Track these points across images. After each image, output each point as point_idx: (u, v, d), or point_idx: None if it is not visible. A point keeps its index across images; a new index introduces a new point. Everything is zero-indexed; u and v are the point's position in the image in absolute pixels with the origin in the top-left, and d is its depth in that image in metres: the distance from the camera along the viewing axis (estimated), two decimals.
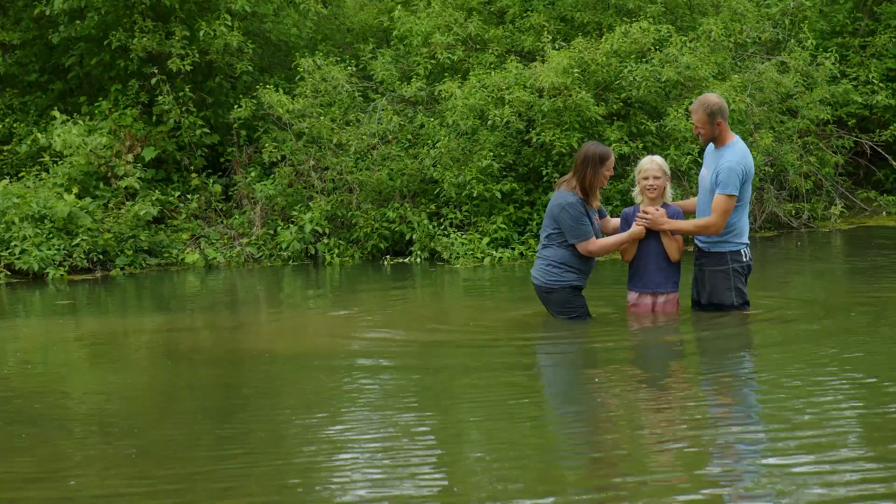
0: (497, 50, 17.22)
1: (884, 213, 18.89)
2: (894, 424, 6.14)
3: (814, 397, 6.83)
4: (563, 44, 16.51)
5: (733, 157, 9.34)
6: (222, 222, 17.20)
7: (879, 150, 19.22)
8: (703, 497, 5.04)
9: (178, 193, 17.33)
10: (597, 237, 9.65)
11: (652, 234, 9.57)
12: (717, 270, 9.54)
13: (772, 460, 5.53)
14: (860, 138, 19.22)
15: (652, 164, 9.53)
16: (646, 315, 9.66)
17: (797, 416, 6.38)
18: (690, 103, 15.53)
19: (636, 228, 9.51)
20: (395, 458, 5.91)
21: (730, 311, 9.53)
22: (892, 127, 19.02)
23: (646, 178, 9.51)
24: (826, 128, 18.69)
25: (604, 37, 16.42)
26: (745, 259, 9.52)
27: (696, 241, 9.73)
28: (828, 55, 17.90)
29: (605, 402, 7.11)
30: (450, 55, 16.98)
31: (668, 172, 9.61)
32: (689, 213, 9.88)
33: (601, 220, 9.89)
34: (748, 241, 9.64)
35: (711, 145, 9.56)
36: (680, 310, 9.70)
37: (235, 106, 17.17)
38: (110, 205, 16.80)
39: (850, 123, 19.16)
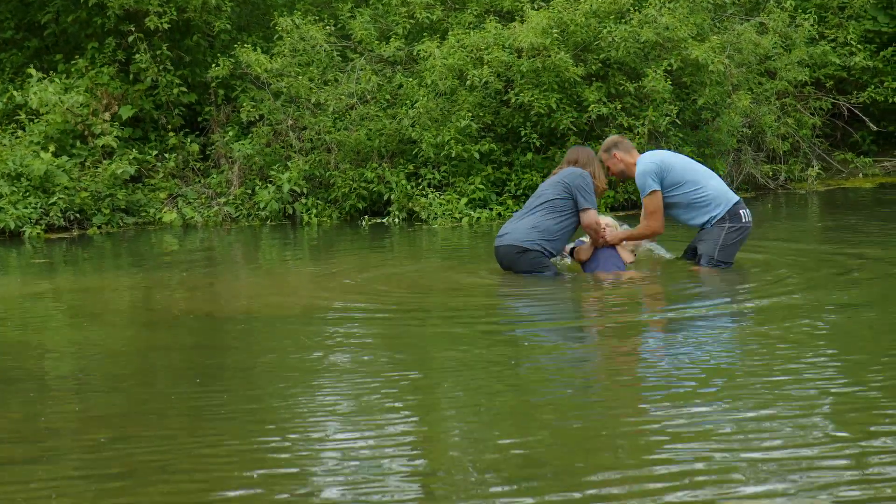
0: (476, 10, 17.16)
1: (860, 174, 18.96)
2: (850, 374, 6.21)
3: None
4: (543, 4, 16.47)
5: (638, 170, 9.95)
6: (200, 181, 17.16)
7: (857, 111, 19.27)
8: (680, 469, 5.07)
9: (155, 152, 17.26)
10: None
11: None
12: (712, 226, 9.93)
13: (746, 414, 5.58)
14: (838, 100, 19.25)
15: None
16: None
17: (768, 374, 6.43)
18: (669, 65, 15.68)
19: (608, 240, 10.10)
20: (374, 419, 5.93)
21: (707, 266, 9.85)
22: (869, 89, 19.06)
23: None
24: (804, 89, 18.72)
25: None
26: (739, 221, 9.87)
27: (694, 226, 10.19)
28: (806, 16, 17.91)
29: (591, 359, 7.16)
30: (428, 15, 16.91)
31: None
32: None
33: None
34: (740, 201, 10.03)
35: None
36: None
37: (213, 65, 17.09)
38: (87, 163, 16.74)
39: (827, 85, 19.18)
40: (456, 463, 5.18)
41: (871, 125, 19.34)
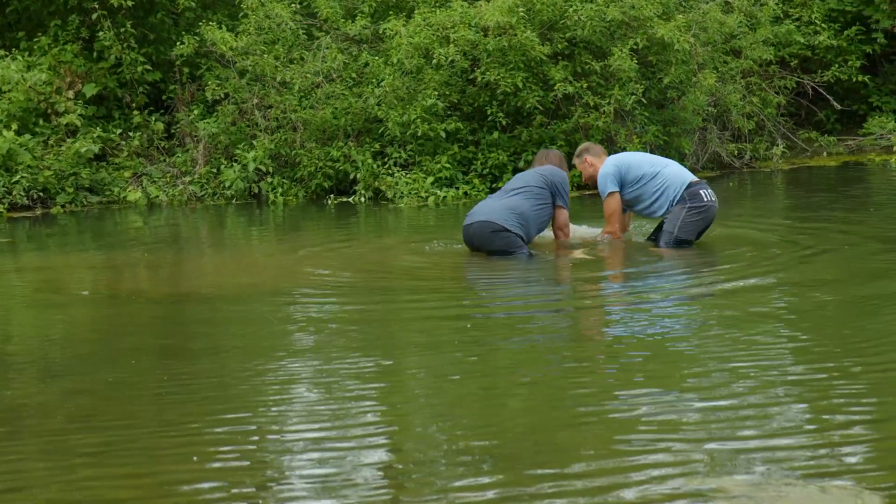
0: None
1: (824, 153, 19.06)
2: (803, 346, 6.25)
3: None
4: None
5: (599, 173, 10.24)
6: (165, 160, 17.07)
7: (821, 90, 19.35)
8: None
9: (119, 131, 17.15)
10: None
11: None
12: (678, 205, 10.08)
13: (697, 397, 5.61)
14: (802, 79, 19.33)
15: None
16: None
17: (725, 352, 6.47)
18: (635, 43, 15.70)
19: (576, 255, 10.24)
20: (341, 398, 5.93)
21: (663, 245, 10.04)
22: (833, 68, 19.15)
23: None
24: (769, 68, 18.78)
25: None
26: (700, 201, 9.97)
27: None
28: None
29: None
30: None
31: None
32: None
33: None
34: (699, 181, 10.16)
35: None
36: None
37: (178, 43, 16.97)
38: (50, 142, 16.62)
39: (792, 64, 19.26)
40: (423, 448, 5.19)
41: (835, 104, 19.43)
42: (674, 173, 10.16)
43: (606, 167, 10.17)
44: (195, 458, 5.01)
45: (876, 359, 6.22)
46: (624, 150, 14.47)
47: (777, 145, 18.21)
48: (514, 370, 6.45)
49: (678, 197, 10.02)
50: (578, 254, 10.03)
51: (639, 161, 10.26)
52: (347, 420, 5.52)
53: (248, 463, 4.99)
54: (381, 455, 5.07)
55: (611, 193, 10.11)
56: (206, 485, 4.72)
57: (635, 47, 15.93)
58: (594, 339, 7.28)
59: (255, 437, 5.34)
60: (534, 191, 10.08)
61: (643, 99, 15.93)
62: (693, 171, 16.93)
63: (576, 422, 5.37)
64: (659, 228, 10.30)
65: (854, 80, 19.32)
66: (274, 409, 5.79)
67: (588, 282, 9.27)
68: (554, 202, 10.17)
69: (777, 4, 17.91)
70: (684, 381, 5.96)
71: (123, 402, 6.01)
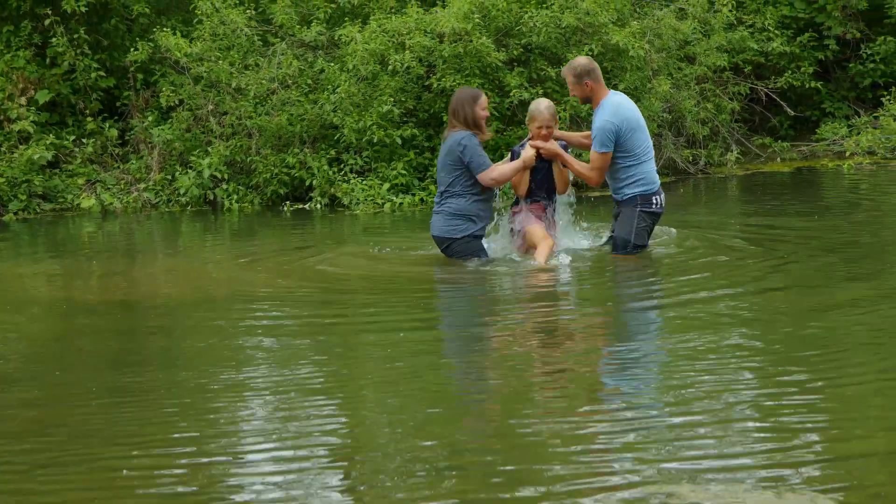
0: None
1: (778, 158, 19.18)
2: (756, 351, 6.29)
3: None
4: None
5: (602, 115, 9.80)
6: (119, 167, 16.96)
7: (774, 96, 19.48)
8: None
9: (73, 137, 17.03)
10: None
11: (542, 168, 10.00)
12: (627, 211, 9.92)
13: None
14: (756, 85, 19.45)
15: (545, 114, 9.87)
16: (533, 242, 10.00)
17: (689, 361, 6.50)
18: (590, 50, 15.75)
19: (529, 152, 9.86)
20: (294, 407, 5.90)
21: (621, 252, 9.92)
22: (786, 74, 19.27)
23: (539, 127, 9.75)
24: (723, 74, 18.88)
25: None
26: (654, 206, 9.85)
27: (613, 196, 10.16)
28: (725, 2, 18.06)
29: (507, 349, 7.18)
30: None
31: (556, 116, 10.07)
32: (573, 146, 10.65)
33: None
34: (658, 189, 10.02)
35: None
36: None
37: (132, 49, 16.87)
38: (3, 149, 16.48)
39: (746, 70, 19.37)
40: (379, 461, 5.18)
41: (789, 110, 19.55)
42: (650, 173, 10.01)
43: (607, 122, 9.71)
44: (124, 472, 4.97)
45: (826, 366, 6.25)
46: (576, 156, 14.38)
47: (731, 151, 18.30)
48: (466, 384, 6.45)
49: (638, 194, 9.88)
50: (546, 267, 9.88)
51: (634, 138, 9.85)
52: (301, 433, 5.50)
53: (198, 475, 4.96)
54: (336, 470, 5.05)
55: (605, 153, 9.73)
56: (154, 500, 4.70)
57: (590, 53, 15.96)
58: (551, 353, 7.29)
59: (211, 445, 5.31)
60: (456, 185, 9.94)
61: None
62: None
63: (532, 435, 5.38)
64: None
65: (807, 86, 19.46)
66: (225, 420, 5.76)
67: (541, 298, 9.26)
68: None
69: (730, 11, 18.01)
70: (640, 393, 5.97)
71: (76, 409, 5.96)
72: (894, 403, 5.57)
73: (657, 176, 10.13)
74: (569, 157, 10.06)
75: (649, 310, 8.25)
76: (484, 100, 10.03)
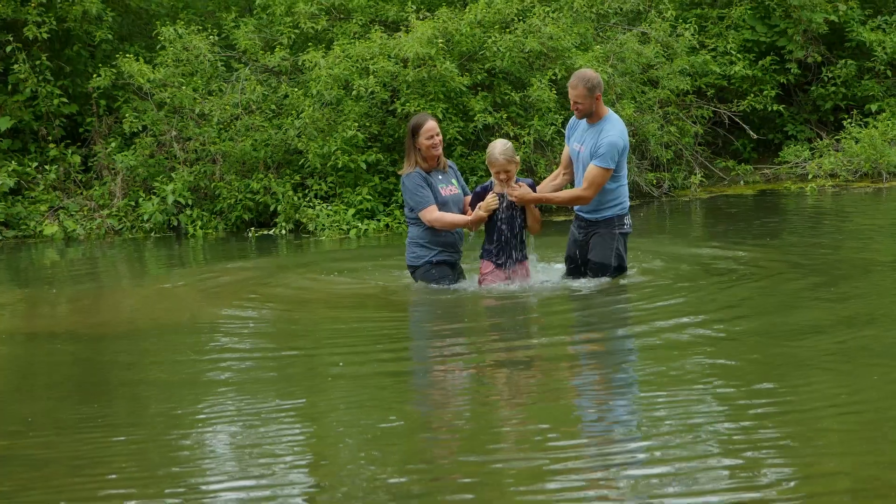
0: (361, 20, 17.14)
1: (741, 181, 19.28)
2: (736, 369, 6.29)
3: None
4: (427, 14, 16.50)
5: (614, 130, 9.53)
6: (82, 193, 16.87)
7: (737, 119, 19.59)
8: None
9: (35, 164, 16.93)
10: (453, 206, 9.83)
11: (505, 209, 9.63)
12: (603, 233, 9.71)
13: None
14: (719, 108, 19.56)
15: (500, 160, 9.45)
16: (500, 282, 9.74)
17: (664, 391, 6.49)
18: (554, 74, 15.81)
19: (479, 213, 9.54)
20: (261, 435, 5.87)
21: (602, 277, 9.74)
22: (749, 97, 19.39)
23: (497, 172, 9.51)
24: (686, 98, 18.99)
25: (468, 7, 16.47)
26: (626, 226, 9.77)
27: (578, 212, 9.88)
28: (687, 26, 18.19)
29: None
30: (313, 25, 16.85)
31: (516, 157, 9.59)
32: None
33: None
34: (629, 209, 9.88)
35: (584, 121, 9.69)
36: (530, 273, 9.87)
37: (94, 75, 16.82)
38: None
39: (708, 94, 19.48)
40: (346, 485, 5.15)
41: (751, 133, 19.67)
42: (627, 191, 9.85)
43: (618, 139, 9.47)
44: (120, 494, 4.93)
45: (790, 393, 6.24)
46: (542, 178, 14.31)
47: (695, 174, 18.40)
48: (432, 409, 6.43)
49: (615, 216, 9.70)
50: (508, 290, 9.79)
51: (624, 160, 9.68)
52: (266, 463, 5.46)
53: (168, 497, 4.92)
54: (301, 484, 5.03)
55: (607, 170, 9.45)
56: None
57: (554, 78, 16.03)
58: (518, 383, 7.27)
59: (177, 470, 5.26)
60: (409, 215, 9.90)
61: (562, 129, 16.01)
62: None
63: (501, 467, 5.37)
64: (575, 257, 10.03)
65: (769, 109, 19.59)
66: (198, 452, 5.71)
67: (509, 327, 9.25)
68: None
69: (693, 35, 18.14)
70: (605, 417, 5.97)
71: (39, 438, 5.90)
72: (857, 429, 5.56)
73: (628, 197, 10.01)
74: (548, 196, 9.81)
75: (614, 337, 8.22)
76: (428, 127, 9.70)
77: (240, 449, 5.64)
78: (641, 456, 5.22)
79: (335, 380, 7.16)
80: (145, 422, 6.24)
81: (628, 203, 9.88)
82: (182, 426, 6.10)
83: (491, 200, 9.48)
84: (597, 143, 9.50)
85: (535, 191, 9.71)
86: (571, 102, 9.65)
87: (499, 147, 9.49)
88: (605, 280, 9.73)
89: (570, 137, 9.90)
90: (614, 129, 9.54)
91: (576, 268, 9.98)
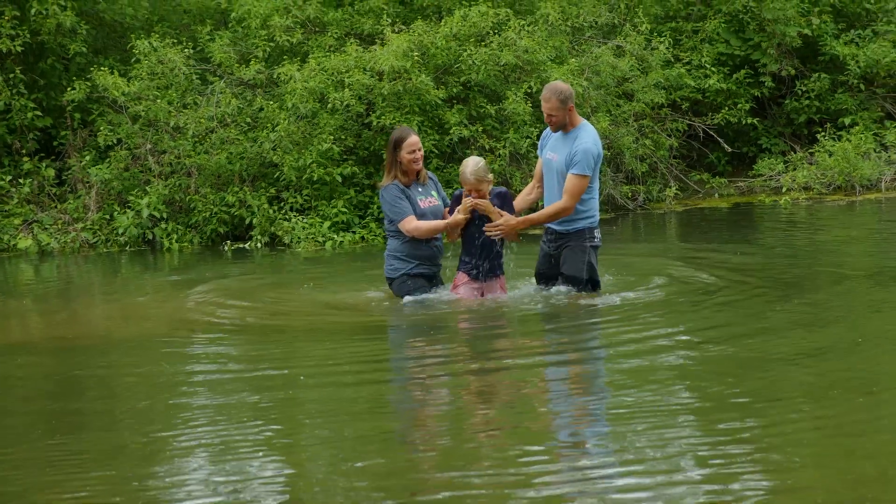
0: (336, 33, 17.14)
1: (716, 194, 19.35)
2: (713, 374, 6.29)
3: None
4: (403, 27, 16.51)
5: (588, 138, 9.53)
6: (56, 207, 16.80)
7: (712, 133, 19.66)
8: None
9: (9, 177, 16.86)
10: (435, 216, 9.83)
11: (478, 222, 9.61)
12: (574, 246, 9.65)
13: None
14: (693, 121, 19.64)
15: (470, 179, 9.46)
16: (474, 299, 9.71)
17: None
18: (529, 87, 15.84)
19: (457, 217, 9.55)
20: (236, 451, 5.83)
21: (573, 291, 9.67)
22: (723, 110, 19.47)
23: (469, 191, 9.51)
24: (661, 111, 19.06)
25: (443, 20, 16.49)
26: (596, 239, 9.70)
27: (549, 225, 9.80)
28: (662, 39, 18.25)
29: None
30: (289, 38, 16.84)
31: (489, 175, 9.58)
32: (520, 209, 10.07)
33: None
34: (598, 222, 9.82)
35: (558, 133, 9.69)
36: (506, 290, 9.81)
37: (69, 88, 16.76)
38: None
39: (683, 107, 19.56)
40: (319, 498, 5.14)
41: (726, 146, 19.74)
42: (597, 204, 9.80)
43: (593, 146, 9.47)
44: None
45: (764, 415, 6.21)
46: (517, 191, 14.29)
47: (670, 187, 18.46)
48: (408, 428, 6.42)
49: (586, 228, 9.65)
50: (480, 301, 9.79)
51: (598, 167, 9.67)
52: (239, 481, 5.44)
53: None
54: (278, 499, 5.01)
55: (585, 177, 9.44)
56: None
57: (529, 91, 16.06)
58: (490, 403, 7.27)
59: (151, 490, 5.24)
60: (389, 228, 9.92)
61: (537, 142, 16.02)
62: None
63: (475, 487, 5.36)
64: (546, 274, 9.96)
65: (743, 122, 19.67)
66: (173, 467, 5.68)
67: (483, 344, 9.23)
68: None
69: (667, 49, 18.21)
70: (579, 433, 5.95)
71: (11, 453, 5.86)
72: (830, 445, 5.55)
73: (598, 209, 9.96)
74: (531, 218, 9.71)
75: (587, 355, 8.18)
76: (410, 141, 9.73)
77: (212, 465, 5.61)
78: (615, 471, 5.22)
79: (308, 395, 7.14)
80: (118, 435, 6.19)
81: (598, 216, 9.83)
82: (157, 445, 6.06)
83: (468, 204, 9.48)
84: (571, 151, 9.49)
85: (511, 200, 9.72)
86: (545, 115, 9.64)
87: (470, 166, 9.50)
88: (577, 295, 9.66)
89: (542, 148, 9.90)
90: (588, 136, 9.54)
91: (546, 283, 9.93)
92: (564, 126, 9.64)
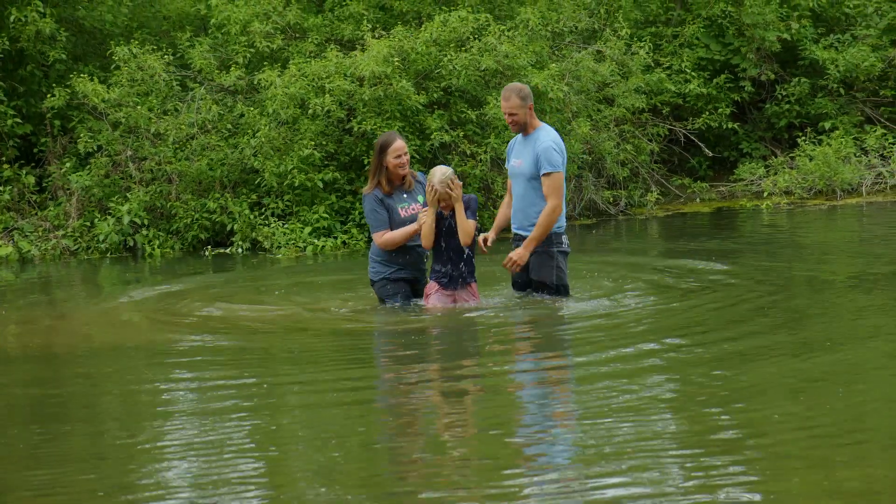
0: (317, 38, 17.13)
1: (697, 199, 19.39)
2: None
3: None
4: (383, 32, 16.51)
5: (547, 138, 9.45)
6: (36, 214, 16.75)
7: (693, 137, 19.71)
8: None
9: None
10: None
11: (445, 232, 9.57)
12: (541, 251, 9.49)
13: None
14: (674, 126, 19.69)
15: (438, 187, 9.37)
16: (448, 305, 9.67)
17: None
18: None
19: (423, 217, 9.51)
20: (220, 457, 5.81)
21: (546, 298, 9.59)
22: (703, 115, 19.53)
23: (438, 201, 9.45)
24: (641, 116, 19.09)
25: (423, 25, 16.50)
26: (564, 245, 9.60)
27: (516, 231, 9.70)
28: (642, 44, 18.29)
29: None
30: (269, 44, 16.83)
31: (453, 183, 9.46)
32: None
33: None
34: (565, 228, 9.67)
35: (519, 136, 9.66)
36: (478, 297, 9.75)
37: (49, 95, 16.72)
38: None
39: (664, 112, 19.60)
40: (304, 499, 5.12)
41: (707, 151, 19.78)
42: (564, 211, 9.61)
43: (557, 143, 9.41)
44: None
45: (749, 418, 6.20)
46: (499, 197, 14.26)
47: (651, 192, 18.50)
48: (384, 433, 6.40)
49: (552, 234, 9.47)
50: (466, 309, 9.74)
51: (565, 174, 9.58)
52: (224, 491, 5.42)
53: None
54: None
55: (559, 173, 9.33)
56: None
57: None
58: (475, 410, 7.25)
59: (133, 497, 5.21)
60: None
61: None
62: (569, 218, 17.16)
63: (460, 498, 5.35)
64: (522, 284, 9.80)
65: (724, 127, 19.73)
66: (158, 476, 5.66)
67: (462, 351, 9.22)
68: None
69: (648, 54, 18.24)
70: (562, 442, 5.93)
71: None
72: (818, 455, 5.52)
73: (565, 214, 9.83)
74: (533, 237, 9.39)
75: (566, 362, 8.13)
76: (396, 146, 9.65)
77: (196, 478, 5.58)
78: (599, 482, 5.19)
79: (292, 403, 7.12)
80: (101, 445, 6.17)
81: (565, 222, 9.68)
82: (140, 449, 6.03)
83: (430, 198, 9.39)
84: (535, 153, 9.42)
85: (475, 206, 9.56)
86: (506, 116, 9.57)
87: (436, 175, 9.42)
88: (552, 300, 9.59)
89: (509, 160, 9.83)
90: (548, 136, 9.47)
91: (522, 290, 9.80)
92: (525, 128, 9.57)
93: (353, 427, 6.32)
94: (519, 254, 9.45)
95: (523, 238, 9.58)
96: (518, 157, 9.59)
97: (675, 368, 7.44)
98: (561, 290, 9.62)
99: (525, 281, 9.75)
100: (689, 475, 5.20)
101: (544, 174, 9.38)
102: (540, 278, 9.62)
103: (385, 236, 9.67)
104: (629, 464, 5.39)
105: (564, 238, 9.63)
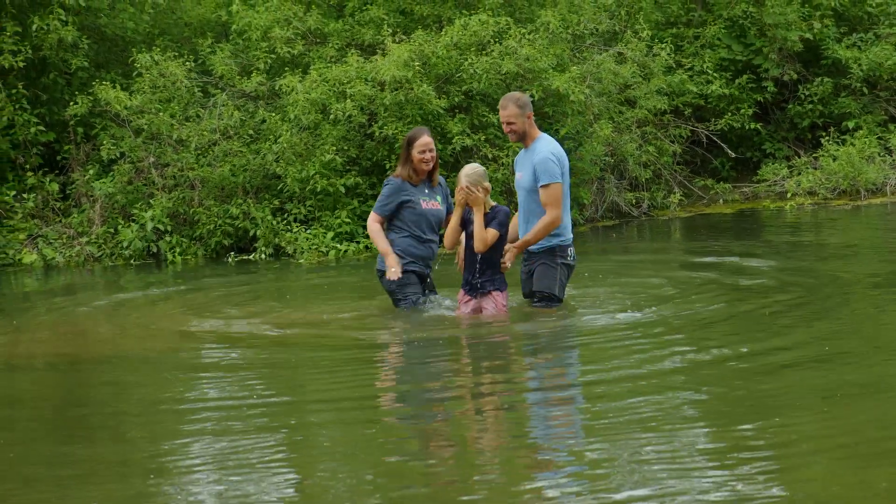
0: (337, 43, 17.15)
1: (720, 200, 19.33)
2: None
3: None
4: (404, 37, 16.52)
5: (544, 148, 9.41)
6: (60, 221, 16.82)
7: (715, 138, 19.66)
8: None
9: (13, 193, 16.88)
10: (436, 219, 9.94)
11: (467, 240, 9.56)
12: (547, 263, 9.50)
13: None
14: (696, 127, 19.64)
15: (462, 181, 9.32)
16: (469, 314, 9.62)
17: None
18: (531, 95, 15.79)
19: (392, 270, 9.62)
20: (244, 466, 5.80)
21: (547, 308, 9.53)
22: (726, 116, 19.48)
23: (459, 189, 9.38)
24: (663, 117, 19.05)
25: (444, 29, 16.49)
26: (570, 258, 9.56)
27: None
28: (663, 46, 18.25)
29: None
30: (290, 49, 16.86)
31: (485, 181, 9.39)
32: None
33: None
34: (572, 240, 9.65)
35: (521, 151, 9.62)
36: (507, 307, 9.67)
37: (71, 103, 16.79)
38: None
39: (686, 113, 19.55)
40: None
41: (730, 151, 19.74)
42: (570, 221, 9.64)
43: (556, 154, 9.36)
44: None
45: (774, 429, 6.13)
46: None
47: (674, 193, 18.45)
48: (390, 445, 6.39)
49: (558, 245, 9.48)
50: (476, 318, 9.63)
51: (567, 184, 9.52)
52: (255, 482, 5.42)
53: None
54: None
55: (558, 184, 9.29)
56: None
57: (532, 99, 16.02)
58: (486, 420, 7.23)
59: None
60: (387, 221, 10.00)
61: None
62: (592, 220, 17.13)
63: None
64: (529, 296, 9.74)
65: (747, 127, 19.68)
66: (183, 485, 5.66)
67: (469, 361, 9.19)
68: None
69: (669, 55, 18.20)
70: (584, 458, 5.89)
71: (18, 472, 5.84)
72: (841, 468, 5.46)
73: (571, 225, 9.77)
74: (526, 240, 9.46)
75: (588, 367, 8.07)
76: (422, 141, 9.76)
77: (219, 482, 5.59)
78: (618, 496, 5.16)
79: (323, 420, 7.11)
80: (130, 456, 6.17)
81: (571, 235, 9.64)
82: (166, 459, 6.04)
83: (460, 197, 9.37)
84: (533, 166, 9.39)
85: (503, 219, 9.49)
86: (504, 125, 9.54)
87: (466, 170, 9.39)
88: (543, 305, 9.51)
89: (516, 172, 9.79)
90: (545, 147, 9.42)
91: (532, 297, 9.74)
92: (525, 138, 9.53)
93: (382, 445, 6.27)
94: (511, 250, 9.50)
95: (528, 251, 9.56)
96: (520, 170, 9.59)
97: (695, 376, 7.31)
98: (553, 299, 9.55)
99: (532, 290, 9.70)
100: (716, 479, 5.18)
101: (542, 186, 9.36)
102: (540, 288, 9.57)
103: (376, 226, 9.86)
104: (646, 471, 5.36)
105: (570, 250, 9.60)
